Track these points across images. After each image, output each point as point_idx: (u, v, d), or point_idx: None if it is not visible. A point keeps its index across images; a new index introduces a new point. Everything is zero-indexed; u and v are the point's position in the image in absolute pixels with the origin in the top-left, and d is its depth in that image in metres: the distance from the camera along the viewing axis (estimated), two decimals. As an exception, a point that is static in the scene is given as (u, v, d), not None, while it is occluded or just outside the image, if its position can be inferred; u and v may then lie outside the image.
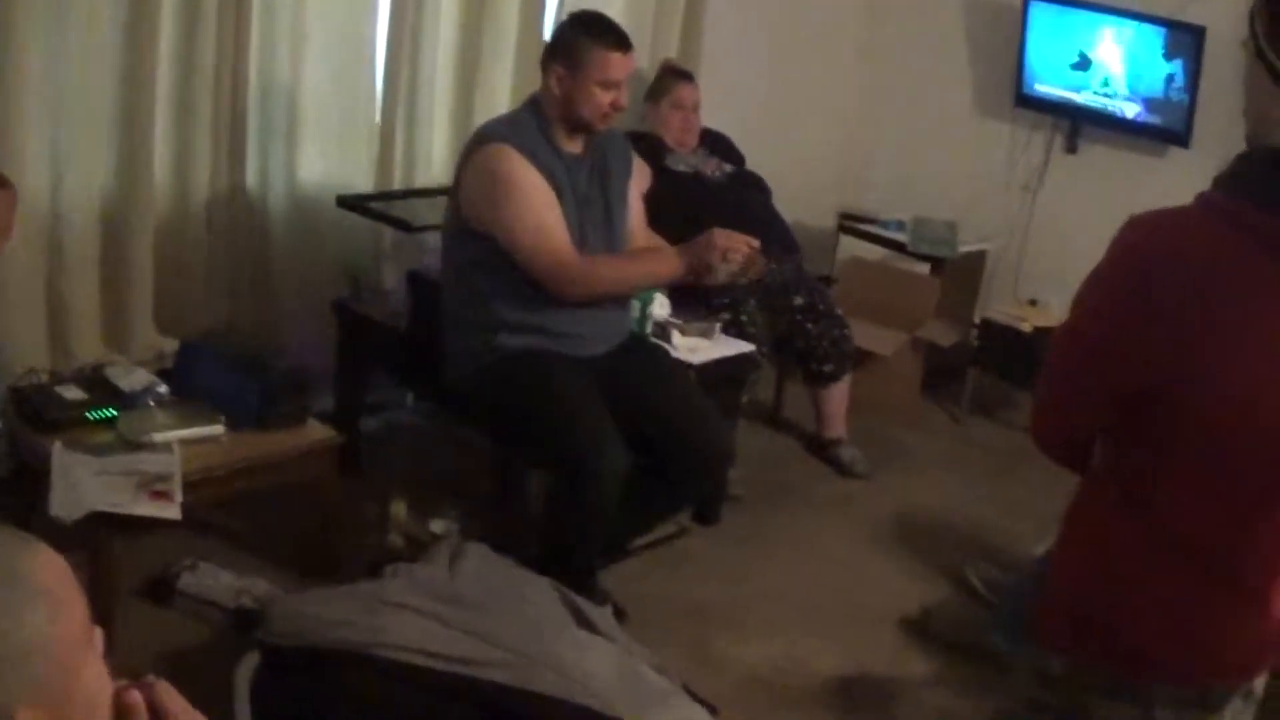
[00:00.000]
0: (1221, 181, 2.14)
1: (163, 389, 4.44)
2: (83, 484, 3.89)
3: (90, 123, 4.80)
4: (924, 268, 7.08)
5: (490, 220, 4.28)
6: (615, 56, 4.29)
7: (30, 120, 4.62)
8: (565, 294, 4.31)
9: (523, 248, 4.24)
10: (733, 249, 4.28)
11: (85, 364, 4.86)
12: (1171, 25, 6.39)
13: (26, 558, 1.45)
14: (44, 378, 4.71)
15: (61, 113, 4.72)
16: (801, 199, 6.98)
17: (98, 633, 1.52)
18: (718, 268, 4.33)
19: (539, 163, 4.26)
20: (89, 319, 4.99)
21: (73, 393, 4.39)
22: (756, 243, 4.44)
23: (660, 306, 5.06)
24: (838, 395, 5.98)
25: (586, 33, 4.33)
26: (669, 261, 4.40)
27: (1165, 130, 6.56)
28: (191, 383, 4.49)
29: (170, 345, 5.05)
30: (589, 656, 3.50)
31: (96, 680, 1.50)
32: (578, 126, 4.37)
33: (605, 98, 4.28)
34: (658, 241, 4.76)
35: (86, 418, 4.27)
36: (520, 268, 4.27)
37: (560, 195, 4.30)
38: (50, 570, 1.46)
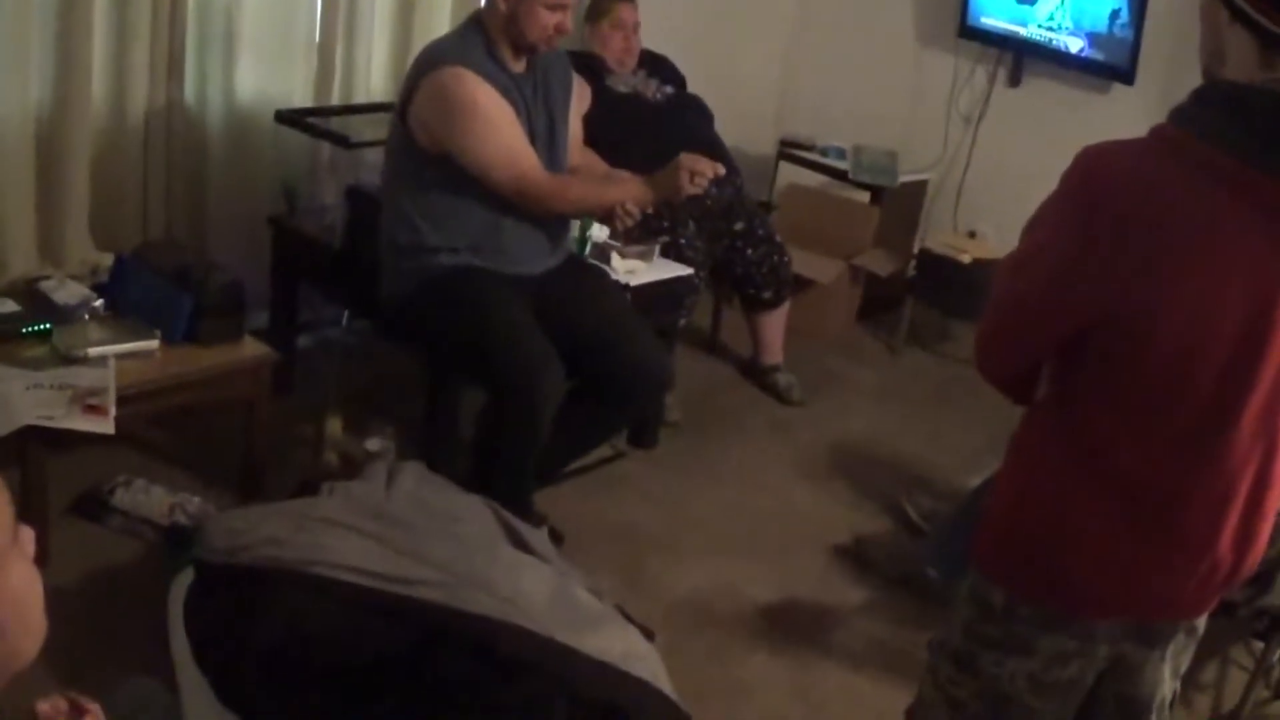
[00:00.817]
0: (1173, 114, 2.15)
1: (98, 303, 4.40)
2: (14, 398, 3.85)
3: (25, 33, 4.72)
4: (864, 196, 7.07)
5: (451, 143, 4.23)
6: None
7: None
8: (536, 211, 4.32)
9: (493, 169, 4.22)
10: (699, 171, 4.24)
11: (19, 277, 4.83)
12: (1118, -43, 6.39)
13: None
14: (-24, 290, 4.69)
15: (-4, 26, 4.67)
16: (741, 124, 6.95)
17: (25, 533, 1.52)
18: (684, 189, 4.30)
19: (494, 83, 4.23)
20: (23, 231, 4.94)
21: (6, 306, 4.34)
22: (723, 170, 4.43)
23: (599, 229, 5.02)
24: (775, 321, 5.98)
25: None
26: (639, 189, 4.35)
27: (1109, 66, 6.56)
28: (126, 297, 4.44)
29: (105, 259, 4.98)
30: (524, 576, 3.49)
31: (23, 581, 1.49)
32: (522, 47, 4.32)
33: (551, 19, 4.23)
34: (594, 160, 4.75)
35: (20, 332, 4.22)
36: (489, 187, 4.24)
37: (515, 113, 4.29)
38: None
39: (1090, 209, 2.14)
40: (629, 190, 4.36)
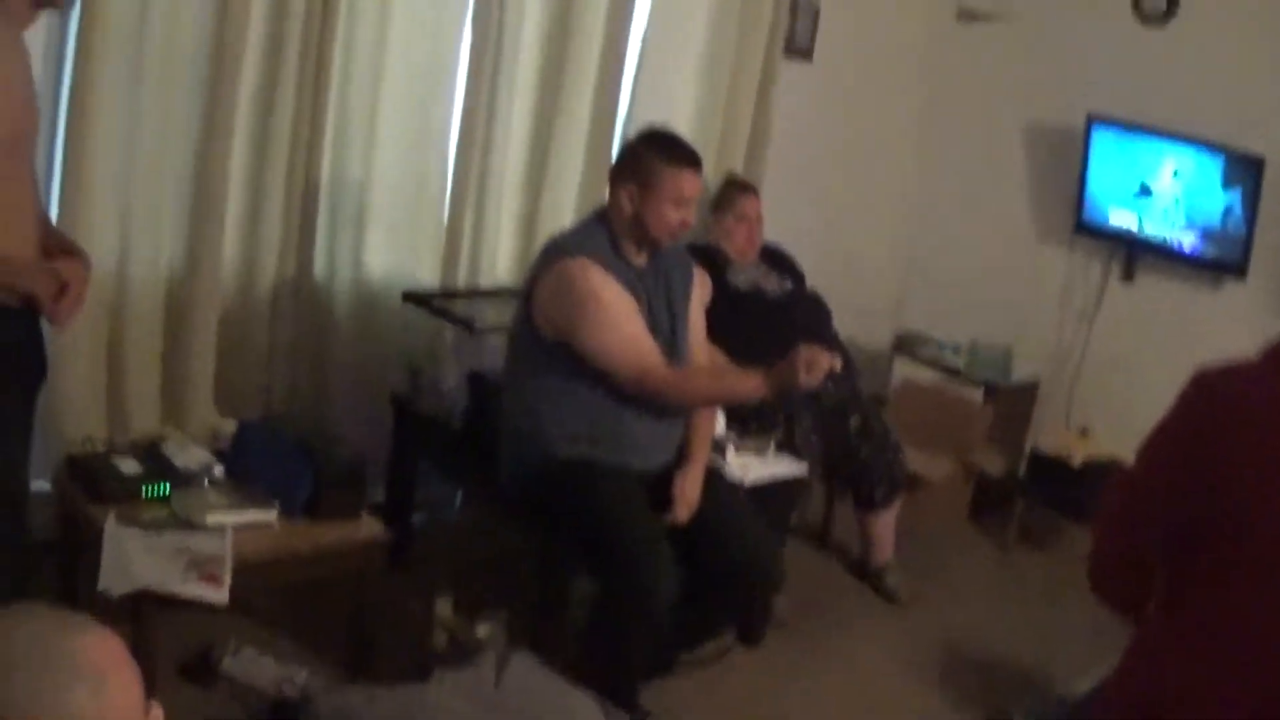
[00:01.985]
0: None
1: (218, 469, 4.43)
2: (133, 559, 3.87)
3: (161, 199, 4.86)
4: (977, 393, 7.05)
5: (574, 334, 4.25)
6: (687, 175, 4.29)
7: (101, 192, 4.68)
8: (657, 404, 4.31)
9: (615, 361, 4.23)
10: (817, 364, 4.16)
11: (142, 436, 4.88)
12: (1231, 154, 6.41)
13: (74, 637, 1.47)
14: (100, 446, 4.74)
15: (133, 186, 4.78)
16: (858, 318, 6.99)
17: (156, 710, 1.55)
18: (802, 382, 4.25)
19: (617, 276, 4.27)
20: (148, 392, 5.01)
21: (129, 466, 4.38)
22: (839, 362, 4.43)
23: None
24: (886, 520, 5.92)
25: (658, 151, 4.33)
26: (755, 382, 4.28)
27: (1222, 262, 6.57)
28: (247, 465, 4.46)
29: (227, 425, 5.00)
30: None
31: None
32: (645, 242, 4.37)
33: (675, 216, 4.28)
34: (717, 356, 4.78)
35: (141, 492, 4.25)
36: (610, 378, 4.26)
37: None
38: (99, 650, 1.49)
39: (1196, 437, 2.16)
40: (749, 383, 4.31)
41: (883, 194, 7.78)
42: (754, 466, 5.00)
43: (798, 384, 4.17)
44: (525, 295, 4.43)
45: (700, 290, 4.77)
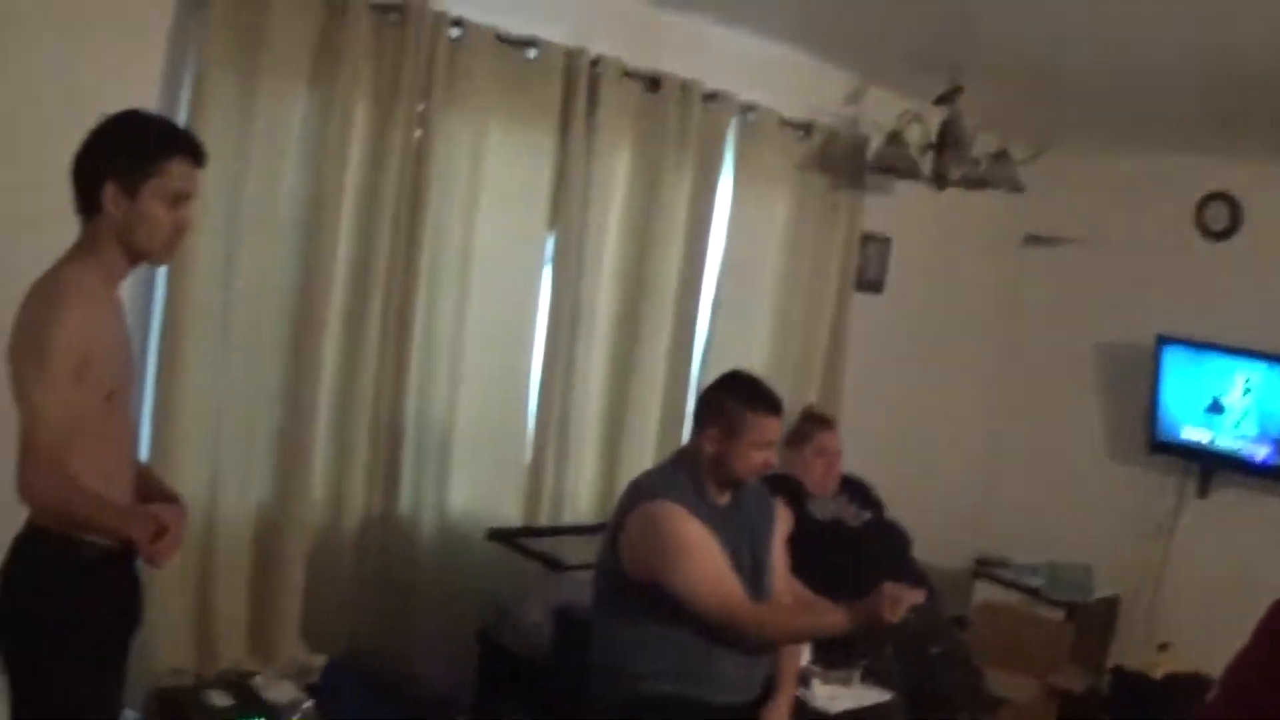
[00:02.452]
0: None
1: (308, 705, 4.50)
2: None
3: (250, 439, 4.98)
4: (1058, 613, 7.04)
5: (660, 575, 4.25)
6: (770, 421, 4.34)
7: (192, 433, 4.82)
8: (740, 640, 4.29)
9: (702, 601, 4.21)
10: (900, 600, 4.17)
11: (230, 669, 4.95)
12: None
13: None
14: (188, 679, 4.82)
15: (222, 429, 4.90)
16: (937, 542, 6.95)
17: None
18: (886, 618, 4.20)
19: (700, 517, 4.28)
20: (236, 626, 5.06)
21: (219, 699, 4.46)
22: (922, 597, 4.44)
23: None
24: (974, 745, 5.92)
25: (741, 399, 4.37)
26: (840, 618, 4.29)
27: (1294, 472, 6.58)
28: (335, 702, 4.53)
29: (314, 659, 5.09)
30: None
31: None
32: (728, 483, 4.40)
33: (759, 458, 4.33)
34: (799, 590, 4.80)
35: (232, 726, 4.31)
36: (697, 616, 4.24)
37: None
38: None
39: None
40: (833, 618, 4.31)
41: (957, 418, 7.85)
42: (840, 697, 4.98)
43: (881, 621, 4.17)
44: (611, 536, 4.45)
45: (782, 525, 4.79)
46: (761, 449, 4.34)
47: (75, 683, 3.33)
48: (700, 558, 4.24)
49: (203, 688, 4.63)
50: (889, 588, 4.18)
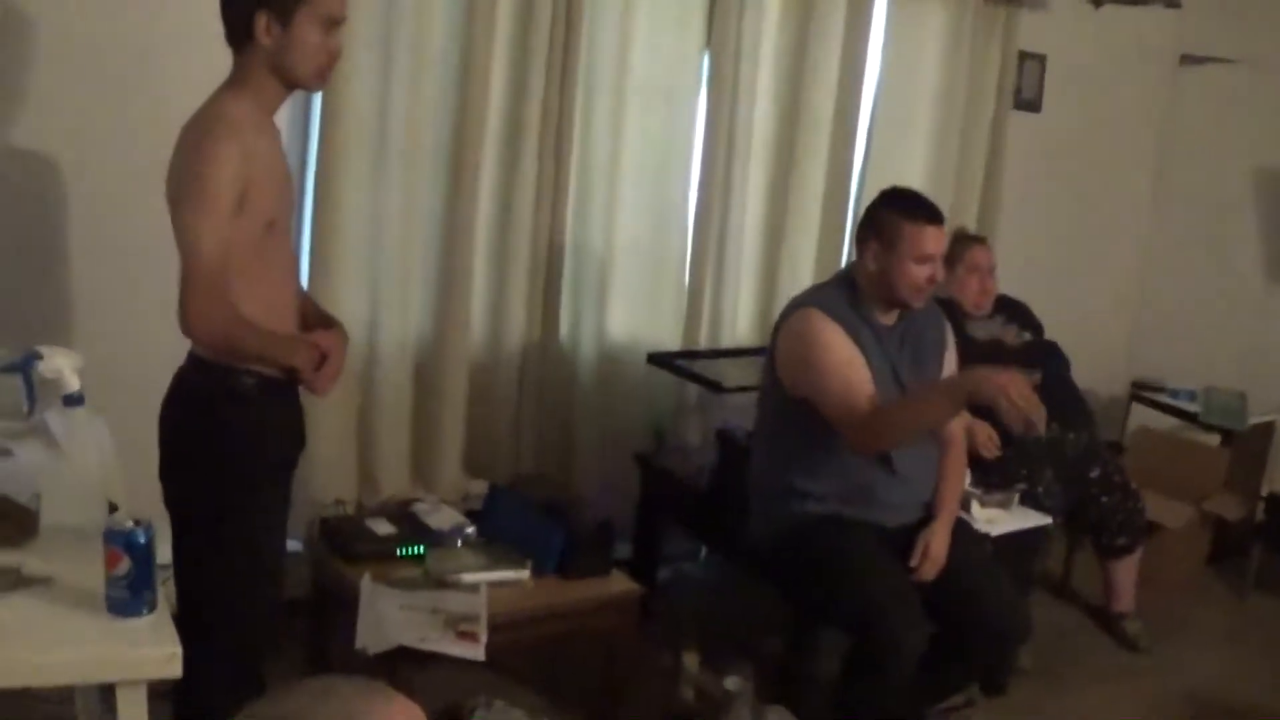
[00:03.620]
0: None
1: (470, 529, 4.48)
2: (389, 618, 3.92)
3: (409, 268, 4.95)
4: (1213, 439, 6.92)
5: (802, 381, 4.25)
6: (930, 231, 4.23)
7: (351, 261, 4.81)
8: (865, 448, 4.22)
9: (829, 405, 4.18)
10: (1008, 385, 3.97)
11: (392, 498, 4.98)
12: None
13: (376, 710, 1.47)
14: (351, 508, 4.84)
15: (382, 257, 4.88)
16: (1093, 367, 6.85)
17: None
18: (1002, 405, 3.98)
19: (856, 333, 4.23)
20: (398, 455, 5.09)
21: (383, 527, 4.45)
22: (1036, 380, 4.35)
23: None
24: (1127, 568, 5.81)
25: (900, 210, 4.28)
26: (947, 388, 4.23)
27: None
28: (499, 526, 4.52)
29: (475, 486, 5.13)
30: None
31: None
32: (893, 302, 4.32)
33: (922, 272, 4.22)
34: (956, 431, 4.68)
35: (395, 552, 4.33)
36: (830, 426, 4.22)
37: (869, 362, 4.23)
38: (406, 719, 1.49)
39: None
40: (940, 393, 4.22)
41: (1114, 241, 7.68)
42: (1000, 519, 4.93)
43: (989, 391, 3.99)
44: (769, 354, 4.43)
45: (952, 353, 4.67)
46: (922, 262, 4.23)
47: (240, 515, 3.33)
48: (832, 360, 4.20)
49: (365, 517, 4.63)
50: (991, 371, 4.09)
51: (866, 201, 4.52)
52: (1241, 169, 7.43)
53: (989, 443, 5.07)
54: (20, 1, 4.10)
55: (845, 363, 4.20)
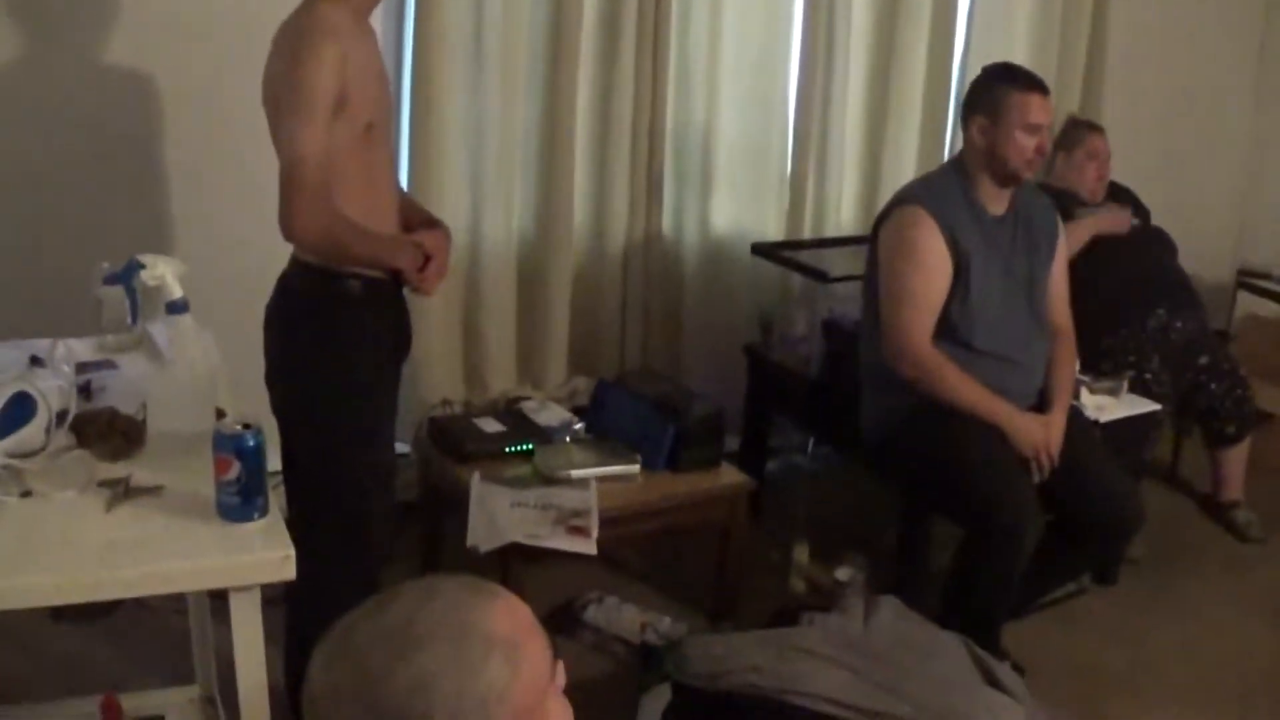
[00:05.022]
0: None
1: (579, 426, 4.47)
2: (500, 516, 3.92)
3: (509, 166, 4.91)
4: (1322, 327, 6.82)
5: (885, 275, 4.23)
6: (1036, 98, 4.17)
7: (451, 161, 4.79)
8: (898, 370, 4.18)
9: (889, 309, 4.18)
10: (1040, 451, 4.14)
11: (499, 397, 4.97)
12: None
13: (481, 608, 1.45)
14: (458, 408, 4.82)
15: (482, 156, 4.85)
16: (1199, 254, 6.71)
17: (559, 669, 1.52)
18: (1028, 457, 4.14)
19: (957, 229, 4.15)
20: (504, 354, 5.08)
21: (491, 425, 4.45)
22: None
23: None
24: (1237, 457, 5.70)
25: (1005, 80, 4.23)
26: (990, 408, 4.16)
27: None
28: (607, 421, 4.50)
29: (582, 383, 5.11)
30: (1001, 716, 3.42)
31: (559, 715, 1.51)
32: (1004, 177, 4.23)
33: (1030, 142, 4.14)
34: (1065, 324, 4.60)
35: (504, 451, 4.32)
36: (881, 324, 4.21)
37: (972, 262, 4.16)
38: (509, 618, 1.46)
39: None
40: (988, 408, 4.16)
41: (1220, 127, 7.48)
42: (1109, 407, 4.83)
43: (1025, 450, 4.14)
44: (872, 243, 4.37)
45: (1063, 242, 4.58)
46: (1030, 131, 4.15)
47: (350, 418, 3.33)
48: (917, 270, 4.17)
49: (473, 416, 4.62)
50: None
51: (967, 89, 4.43)
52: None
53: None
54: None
55: (928, 280, 4.17)
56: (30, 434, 2.59)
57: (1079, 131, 5.73)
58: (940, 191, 4.25)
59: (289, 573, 2.43)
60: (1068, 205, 5.34)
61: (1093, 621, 4.83)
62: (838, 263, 5.17)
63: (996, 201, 4.28)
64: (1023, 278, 4.31)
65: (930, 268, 4.15)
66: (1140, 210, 5.82)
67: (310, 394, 3.31)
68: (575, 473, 4.16)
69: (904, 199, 4.28)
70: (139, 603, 4.07)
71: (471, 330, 5.01)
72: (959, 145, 4.41)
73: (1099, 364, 5.11)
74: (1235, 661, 4.70)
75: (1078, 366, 4.73)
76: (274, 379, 3.36)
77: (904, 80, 5.80)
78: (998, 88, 4.22)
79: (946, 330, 4.19)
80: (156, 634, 4.10)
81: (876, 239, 4.33)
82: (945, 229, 4.14)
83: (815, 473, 5.45)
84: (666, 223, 5.34)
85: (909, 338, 4.15)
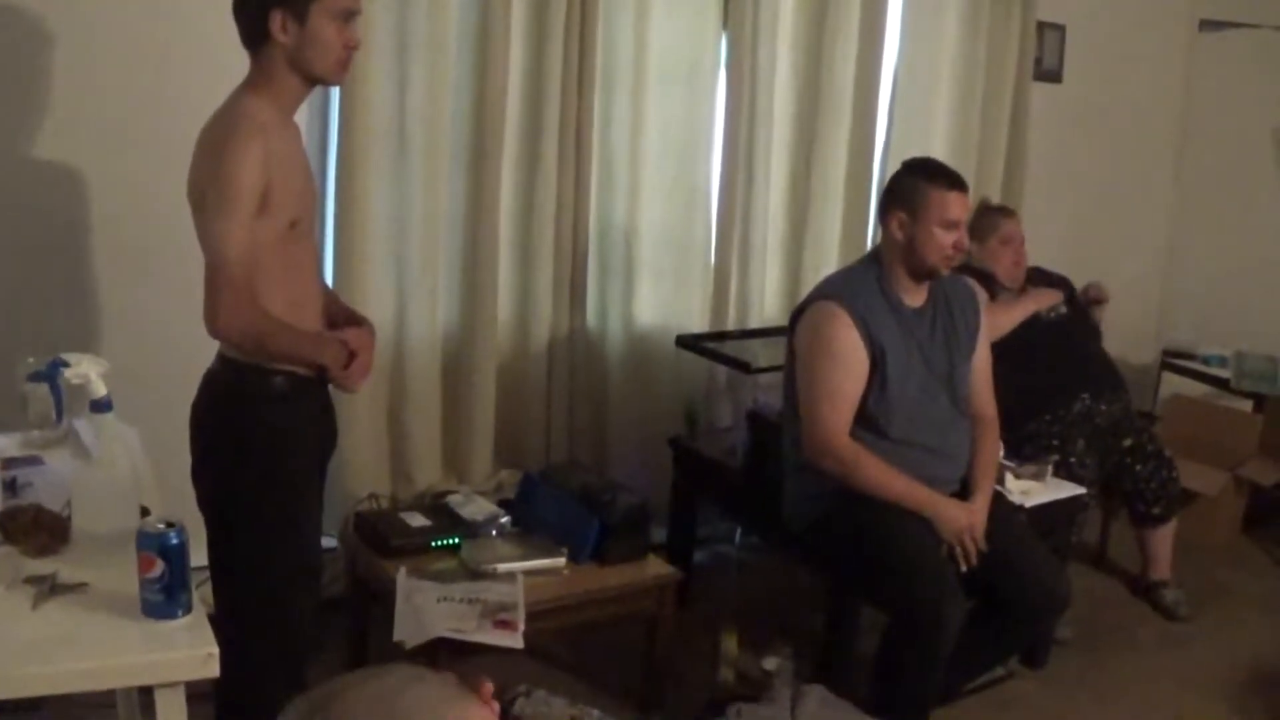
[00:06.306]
0: None
1: (505, 519, 4.47)
2: (426, 610, 3.91)
3: (433, 260, 4.95)
4: (1246, 404, 6.90)
5: (800, 374, 4.29)
6: (953, 196, 4.23)
7: (376, 255, 4.82)
8: (820, 465, 4.23)
9: (808, 404, 4.24)
10: (963, 535, 4.18)
11: (425, 491, 4.99)
12: None
13: (462, 704, 1.49)
14: (385, 503, 4.83)
15: (406, 250, 4.90)
16: (1123, 335, 6.84)
17: None
18: (951, 542, 4.18)
19: (872, 322, 4.21)
20: (430, 448, 5.10)
21: (417, 520, 4.46)
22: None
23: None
24: (1163, 537, 5.77)
25: (923, 176, 4.29)
26: (915, 498, 4.21)
27: None
28: (533, 515, 4.51)
29: (509, 476, 5.13)
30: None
31: None
32: (921, 272, 4.30)
33: (947, 239, 4.21)
34: (988, 410, 4.68)
35: (430, 545, 4.32)
36: (800, 419, 4.27)
37: (888, 354, 4.21)
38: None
39: None
40: (916, 499, 4.20)
41: (1140, 210, 7.64)
42: (1034, 491, 4.89)
43: (944, 532, 4.19)
44: (790, 336, 4.43)
45: (985, 334, 4.63)
46: (948, 228, 4.23)
47: (275, 514, 3.34)
48: (833, 365, 4.22)
49: (400, 510, 4.64)
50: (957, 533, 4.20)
51: (887, 183, 4.51)
52: (1265, 133, 7.39)
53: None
54: (39, 15, 4.11)
55: (845, 376, 4.23)
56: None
57: (991, 218, 5.77)
58: (857, 286, 4.31)
59: (212, 670, 2.44)
60: (990, 287, 5.44)
61: (1023, 704, 4.87)
62: (762, 353, 5.22)
63: (914, 294, 4.35)
64: (942, 367, 4.36)
65: (846, 362, 4.20)
66: (1067, 297, 5.89)
67: (236, 490, 3.31)
68: (502, 566, 4.16)
69: (819, 294, 4.35)
70: (68, 698, 4.06)
71: (397, 424, 5.02)
72: (880, 236, 4.46)
73: (1023, 448, 5.18)
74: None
75: (1002, 451, 4.79)
76: (200, 475, 3.36)
77: (825, 171, 5.90)
78: (918, 183, 4.28)
79: (865, 420, 4.24)
80: (83, 732, 4.09)
81: (794, 334, 4.38)
82: (860, 323, 4.20)
83: (743, 562, 5.50)
84: (591, 315, 5.39)
85: (827, 432, 4.20)
